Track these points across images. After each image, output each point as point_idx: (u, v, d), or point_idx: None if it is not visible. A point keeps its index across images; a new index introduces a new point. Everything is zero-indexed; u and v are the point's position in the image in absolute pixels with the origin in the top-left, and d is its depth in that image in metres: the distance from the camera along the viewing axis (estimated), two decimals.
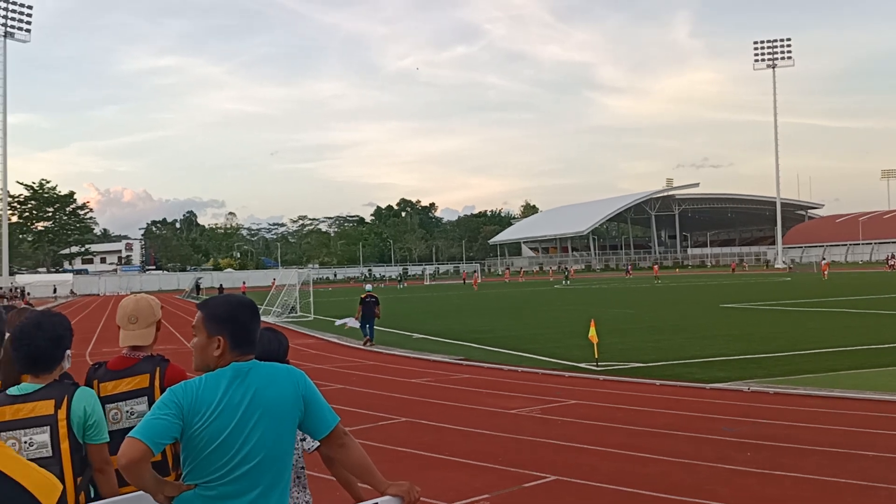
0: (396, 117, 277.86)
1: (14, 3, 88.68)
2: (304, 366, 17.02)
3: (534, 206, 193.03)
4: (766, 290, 44.52)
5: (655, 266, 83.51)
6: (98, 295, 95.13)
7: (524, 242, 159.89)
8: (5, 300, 46.14)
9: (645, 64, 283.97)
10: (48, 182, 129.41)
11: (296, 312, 35.61)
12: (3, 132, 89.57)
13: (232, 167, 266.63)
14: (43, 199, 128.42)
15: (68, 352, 3.35)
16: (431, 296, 55.45)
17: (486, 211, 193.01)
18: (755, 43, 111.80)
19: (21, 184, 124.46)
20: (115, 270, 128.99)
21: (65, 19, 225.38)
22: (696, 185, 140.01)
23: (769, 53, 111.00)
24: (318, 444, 3.45)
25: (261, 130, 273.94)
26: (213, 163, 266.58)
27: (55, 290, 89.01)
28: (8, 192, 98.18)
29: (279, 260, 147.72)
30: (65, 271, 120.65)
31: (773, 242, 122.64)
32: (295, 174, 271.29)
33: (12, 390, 3.21)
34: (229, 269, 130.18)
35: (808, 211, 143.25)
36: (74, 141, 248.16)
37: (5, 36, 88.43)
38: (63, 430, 3.14)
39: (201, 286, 78.88)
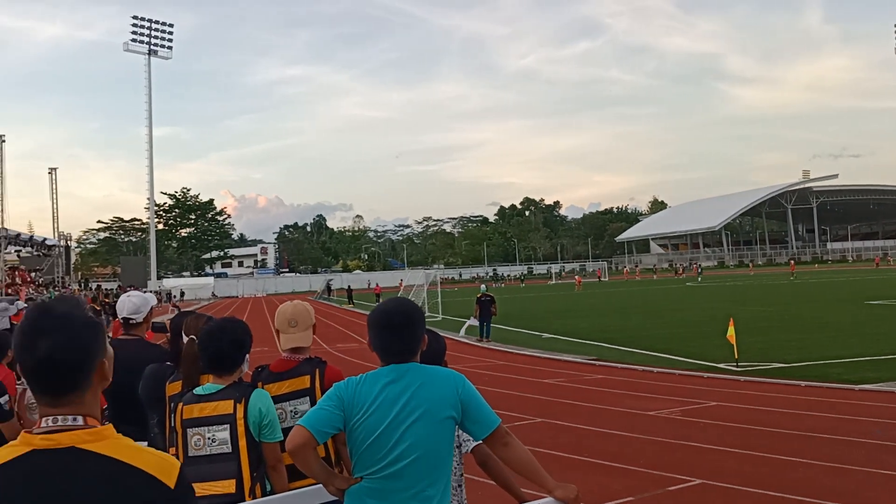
0: (518, 116, 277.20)
1: (157, 23, 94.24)
2: None
3: (662, 201, 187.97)
4: None
5: (792, 262, 79.82)
6: (237, 297, 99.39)
7: (652, 239, 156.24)
8: (171, 307, 49.17)
9: (775, 52, 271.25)
10: (189, 190, 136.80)
11: (424, 313, 36.04)
12: (150, 145, 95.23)
13: (358, 171, 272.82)
14: (186, 207, 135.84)
15: (247, 356, 3.62)
16: (556, 294, 55.06)
17: (612, 208, 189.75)
18: None
19: (165, 193, 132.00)
20: (252, 273, 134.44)
21: (201, 35, 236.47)
22: (835, 176, 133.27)
23: None
24: (472, 445, 3.56)
25: (385, 134, 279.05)
26: (340, 167, 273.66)
27: (182, 295, 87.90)
28: (154, 201, 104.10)
29: (405, 261, 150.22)
30: (206, 275, 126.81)
31: None
32: (419, 176, 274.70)
33: (198, 390, 3.50)
34: (358, 271, 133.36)
35: None
36: (212, 151, 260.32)
37: (149, 54, 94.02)
38: (241, 429, 3.38)
39: (332, 287, 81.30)
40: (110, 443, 1.69)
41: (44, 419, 1.70)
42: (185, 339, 3.91)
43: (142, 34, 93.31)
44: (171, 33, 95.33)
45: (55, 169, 52.90)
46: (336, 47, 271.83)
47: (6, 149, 41.05)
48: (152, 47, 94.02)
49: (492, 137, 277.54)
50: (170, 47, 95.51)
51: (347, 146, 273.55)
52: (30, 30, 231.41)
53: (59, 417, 1.69)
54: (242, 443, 3.37)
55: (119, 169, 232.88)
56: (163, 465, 1.70)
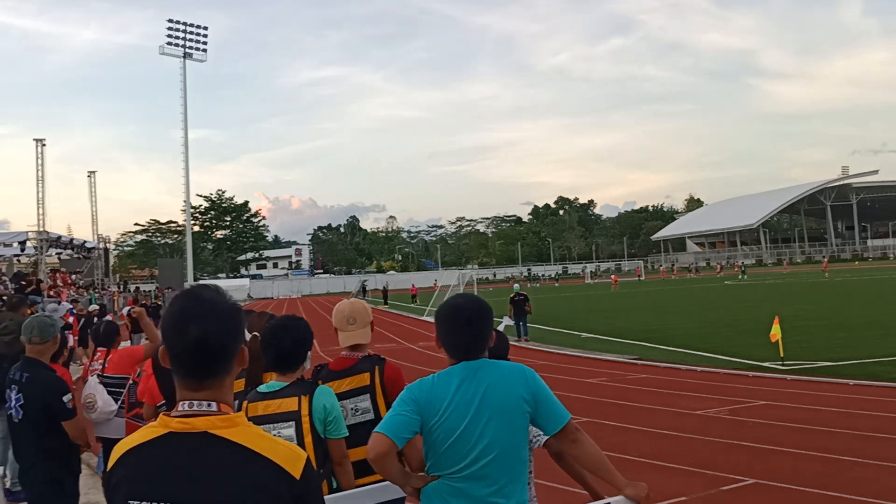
0: (551, 115, 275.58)
1: (192, 26, 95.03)
2: None
3: (698, 199, 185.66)
4: None
5: (825, 260, 78.76)
6: (272, 298, 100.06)
7: (689, 237, 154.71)
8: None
9: (813, 47, 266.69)
10: (224, 192, 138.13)
11: None
12: (186, 148, 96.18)
13: (391, 172, 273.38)
14: (221, 209, 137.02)
15: (309, 353, 3.60)
16: (593, 294, 54.66)
17: (647, 206, 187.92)
18: None
19: (201, 196, 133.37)
20: (287, 275, 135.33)
21: (234, 37, 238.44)
22: (875, 172, 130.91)
23: None
24: (545, 439, 3.52)
25: (418, 134, 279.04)
26: (373, 168, 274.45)
27: None
28: (190, 203, 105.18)
29: (439, 261, 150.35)
30: (241, 276, 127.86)
31: None
32: (452, 176, 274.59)
33: (262, 388, 3.49)
34: (392, 272, 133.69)
35: None
36: (246, 153, 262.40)
37: (184, 57, 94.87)
38: (306, 426, 3.37)
39: (367, 288, 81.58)
40: (241, 430, 1.75)
41: (181, 403, 1.76)
42: (248, 336, 3.90)
43: (177, 37, 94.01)
44: (205, 36, 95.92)
45: (94, 172, 53.61)
46: (369, 48, 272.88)
47: (46, 153, 41.65)
48: (187, 50, 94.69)
49: (525, 136, 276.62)
50: (204, 50, 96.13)
51: (380, 147, 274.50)
52: (67, 35, 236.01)
53: (195, 402, 1.75)
54: (308, 440, 3.36)
55: (155, 171, 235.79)
56: (290, 456, 1.76)
